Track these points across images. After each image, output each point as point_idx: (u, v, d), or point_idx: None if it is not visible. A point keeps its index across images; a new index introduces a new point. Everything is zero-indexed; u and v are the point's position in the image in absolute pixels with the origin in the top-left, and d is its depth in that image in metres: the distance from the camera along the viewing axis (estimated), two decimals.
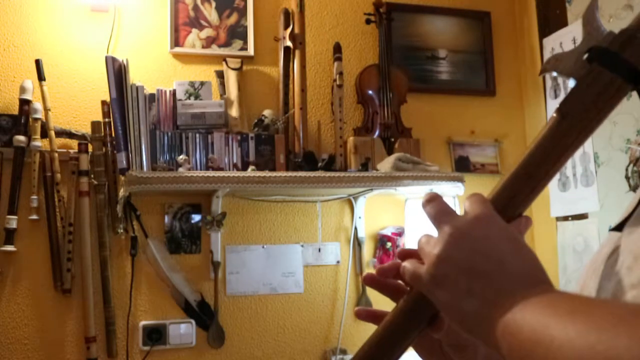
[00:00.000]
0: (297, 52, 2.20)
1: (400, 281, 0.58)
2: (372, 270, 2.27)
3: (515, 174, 0.52)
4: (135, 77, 2.05)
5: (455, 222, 0.49)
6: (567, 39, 2.31)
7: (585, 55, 0.50)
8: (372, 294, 2.26)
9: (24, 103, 1.96)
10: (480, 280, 0.46)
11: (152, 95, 2.04)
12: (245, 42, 2.26)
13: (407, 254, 0.54)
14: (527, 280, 0.45)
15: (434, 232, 0.52)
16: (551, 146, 0.51)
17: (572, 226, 2.26)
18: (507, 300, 0.44)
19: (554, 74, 0.53)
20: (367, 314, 0.59)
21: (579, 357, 0.36)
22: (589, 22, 0.51)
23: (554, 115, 0.51)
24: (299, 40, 2.20)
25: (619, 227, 0.52)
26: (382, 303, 2.49)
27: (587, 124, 0.50)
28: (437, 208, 0.51)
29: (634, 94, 0.50)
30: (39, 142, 1.95)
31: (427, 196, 0.53)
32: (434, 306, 0.50)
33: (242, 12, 2.27)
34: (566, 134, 0.50)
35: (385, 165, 2.10)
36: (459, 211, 0.52)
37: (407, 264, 0.52)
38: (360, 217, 2.29)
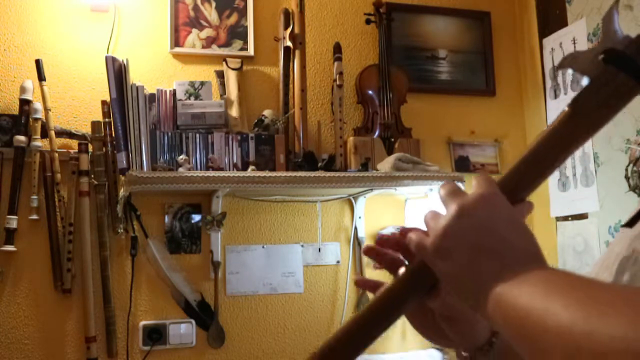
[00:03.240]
0: (297, 52, 2.20)
1: (400, 255, 0.62)
2: (372, 271, 2.28)
3: (523, 160, 0.56)
4: (135, 77, 2.05)
5: (462, 200, 0.52)
6: (567, 39, 2.31)
7: (601, 56, 0.52)
8: (372, 294, 2.25)
9: (24, 103, 1.97)
10: (482, 255, 0.49)
11: (152, 95, 2.04)
12: (245, 42, 2.26)
13: (409, 230, 0.58)
14: (526, 257, 0.48)
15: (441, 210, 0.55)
16: (560, 137, 0.54)
17: (572, 226, 2.26)
18: (506, 275, 0.46)
19: (570, 70, 0.55)
20: (365, 283, 0.63)
21: (565, 332, 0.37)
22: (608, 24, 0.54)
23: (567, 109, 0.54)
24: (299, 40, 2.20)
25: (630, 223, 0.55)
26: None
27: (596, 120, 0.53)
28: (447, 189, 0.55)
29: None
30: (39, 142, 1.95)
31: (443, 183, 0.58)
32: (433, 276, 0.54)
33: (242, 12, 2.27)
34: (576, 128, 0.54)
35: (385, 165, 2.10)
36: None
37: (413, 235, 0.55)
38: (360, 217, 2.29)
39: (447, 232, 0.51)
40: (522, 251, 0.49)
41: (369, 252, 0.64)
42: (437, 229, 0.52)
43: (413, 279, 0.58)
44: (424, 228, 0.56)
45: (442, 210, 0.54)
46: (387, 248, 0.62)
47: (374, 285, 0.64)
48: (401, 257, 0.62)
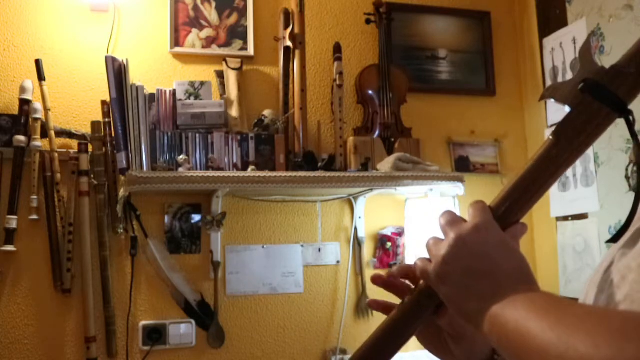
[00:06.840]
0: (297, 52, 2.20)
1: (406, 281, 0.69)
2: (372, 271, 2.28)
3: (514, 185, 0.61)
4: (135, 77, 2.05)
5: (459, 229, 0.58)
6: (567, 39, 2.31)
7: (580, 86, 0.57)
8: (372, 294, 2.25)
9: (24, 103, 1.96)
10: (477, 280, 0.55)
11: (152, 95, 2.04)
12: (245, 42, 2.26)
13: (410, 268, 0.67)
14: (516, 280, 0.54)
15: (438, 234, 0.61)
16: (546, 164, 0.59)
17: (572, 226, 2.26)
18: (499, 297, 0.53)
19: (552, 100, 0.60)
20: (378, 305, 0.69)
21: (542, 352, 0.44)
22: (584, 56, 0.59)
23: (550, 137, 0.59)
24: (299, 40, 2.20)
25: (614, 239, 0.59)
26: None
27: (577, 146, 0.58)
28: (447, 218, 0.60)
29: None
30: (39, 142, 1.95)
31: (443, 212, 0.63)
32: (438, 297, 0.60)
33: (242, 12, 2.27)
34: (559, 154, 0.59)
35: (385, 165, 2.10)
36: (460, 212, 0.57)
37: (419, 262, 0.62)
38: (360, 217, 2.29)
39: (445, 259, 0.57)
40: (511, 272, 0.55)
41: (376, 281, 0.70)
42: (437, 257, 0.58)
43: (421, 300, 0.64)
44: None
45: (440, 235, 0.61)
46: (396, 278, 0.69)
47: (386, 307, 0.69)
48: (407, 282, 0.69)
